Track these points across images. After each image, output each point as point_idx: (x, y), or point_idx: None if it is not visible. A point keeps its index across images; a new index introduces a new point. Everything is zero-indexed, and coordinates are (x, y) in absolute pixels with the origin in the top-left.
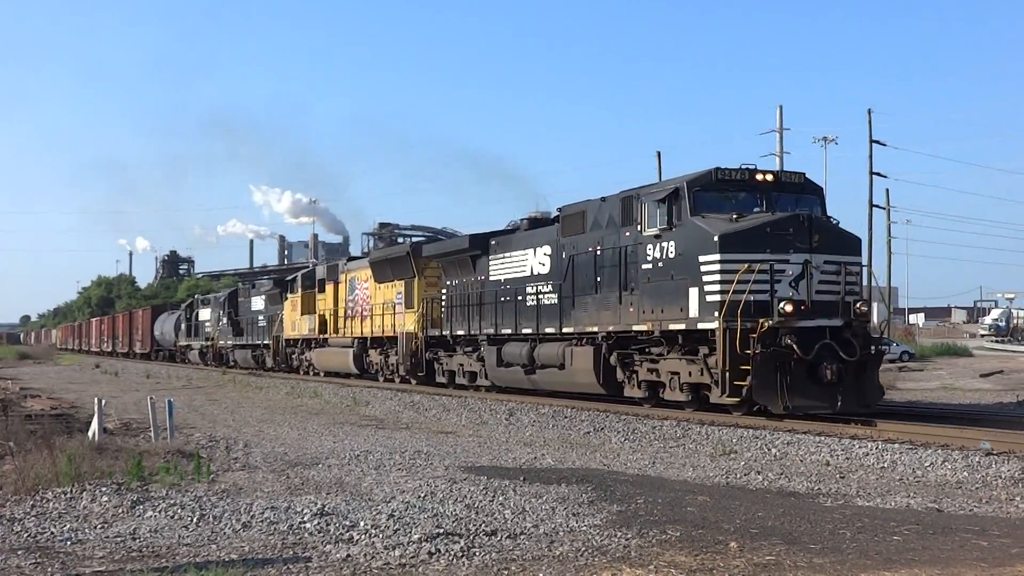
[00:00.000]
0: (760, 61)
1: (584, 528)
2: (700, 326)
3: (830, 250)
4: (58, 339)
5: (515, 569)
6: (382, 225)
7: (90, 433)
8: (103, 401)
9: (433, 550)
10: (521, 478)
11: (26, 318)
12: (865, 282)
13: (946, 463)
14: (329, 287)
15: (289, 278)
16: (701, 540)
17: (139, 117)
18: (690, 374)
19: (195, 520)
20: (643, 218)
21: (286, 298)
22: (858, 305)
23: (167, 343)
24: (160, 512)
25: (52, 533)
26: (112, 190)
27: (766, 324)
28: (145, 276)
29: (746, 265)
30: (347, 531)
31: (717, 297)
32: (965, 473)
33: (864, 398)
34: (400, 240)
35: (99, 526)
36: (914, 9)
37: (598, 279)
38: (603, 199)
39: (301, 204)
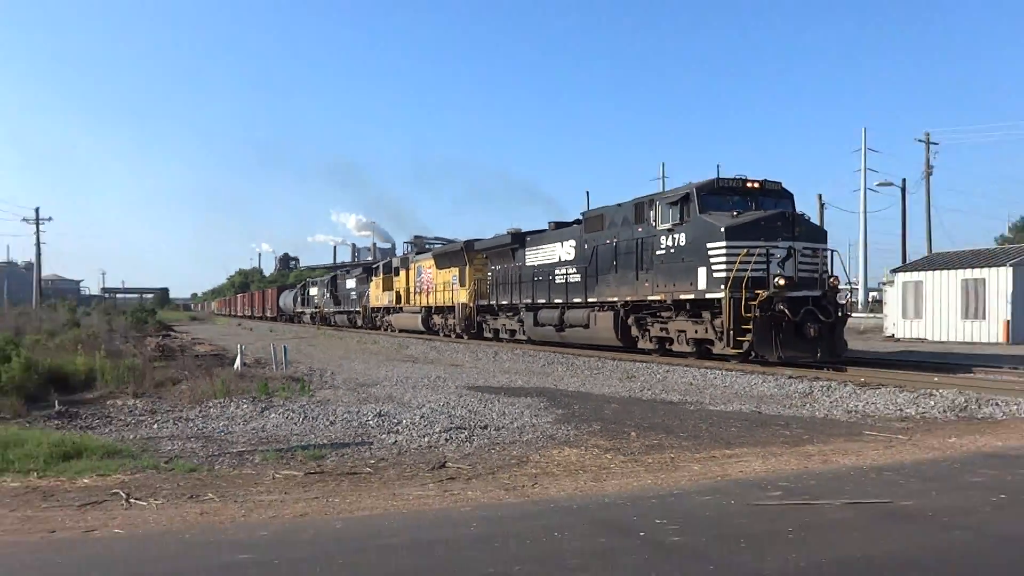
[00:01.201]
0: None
1: (541, 423)
2: (708, 296)
3: (807, 239)
4: (215, 308)
5: (498, 448)
6: (416, 236)
7: (235, 366)
8: (243, 346)
9: (448, 437)
10: (503, 393)
11: (194, 294)
12: (837, 262)
13: (764, 383)
14: (402, 272)
15: (374, 266)
16: (613, 431)
17: (256, 163)
18: (696, 332)
19: (301, 419)
20: (657, 216)
21: (371, 280)
22: (831, 280)
23: (288, 311)
24: (279, 415)
25: (212, 427)
26: (248, 213)
27: (764, 294)
28: (267, 268)
29: (745, 250)
30: (395, 426)
31: (723, 274)
32: (775, 389)
33: (835, 350)
34: (427, 246)
35: (241, 423)
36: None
37: (615, 263)
38: (619, 204)
39: (363, 222)
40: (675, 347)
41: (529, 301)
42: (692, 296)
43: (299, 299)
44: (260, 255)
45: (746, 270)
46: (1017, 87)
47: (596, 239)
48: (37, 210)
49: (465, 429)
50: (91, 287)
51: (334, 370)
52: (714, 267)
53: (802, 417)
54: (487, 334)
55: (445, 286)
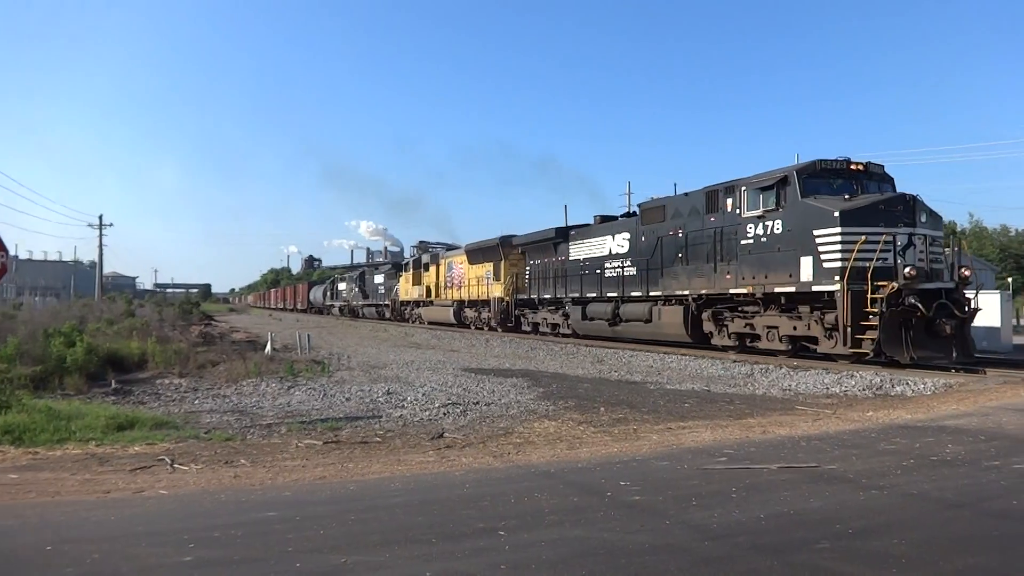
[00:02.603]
0: None
1: (525, 400)
2: (815, 288)
3: (929, 225)
4: (251, 301)
5: (488, 421)
6: (421, 242)
7: (266, 350)
8: (273, 334)
9: (446, 412)
10: (493, 374)
11: (232, 289)
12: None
13: (712, 366)
14: (432, 268)
15: (403, 262)
16: (586, 406)
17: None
18: (795, 328)
19: (321, 396)
20: (741, 203)
21: (401, 275)
22: (962, 270)
23: (318, 304)
24: (303, 392)
25: (245, 403)
26: (280, 222)
27: (893, 286)
28: (294, 268)
29: (863, 237)
30: (401, 402)
31: (836, 263)
32: (722, 371)
33: (967, 349)
34: (429, 250)
35: (270, 399)
36: None
37: (682, 255)
38: (686, 194)
39: (374, 228)
40: (763, 344)
41: (577, 295)
42: (792, 289)
43: (328, 293)
44: (289, 256)
45: (870, 259)
46: None
47: (657, 231)
48: (100, 217)
49: (460, 405)
50: (145, 283)
51: (350, 354)
52: (824, 256)
53: (744, 395)
54: (525, 327)
55: (478, 280)
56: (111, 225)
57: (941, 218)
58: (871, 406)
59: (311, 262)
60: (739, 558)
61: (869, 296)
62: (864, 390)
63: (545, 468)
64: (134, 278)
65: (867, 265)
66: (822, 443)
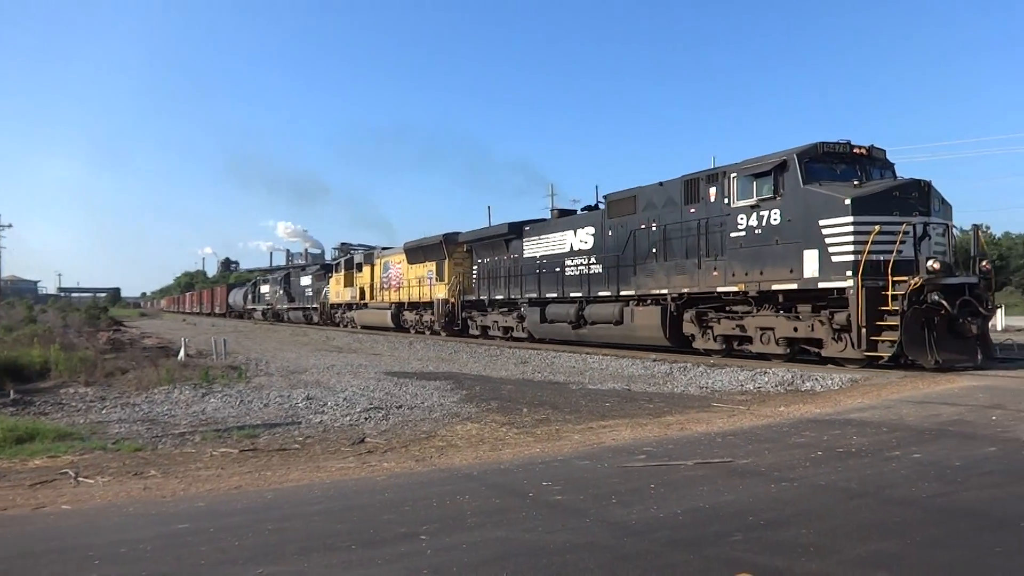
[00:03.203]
0: None
1: (448, 403)
2: (822, 285)
3: (939, 214)
4: (164, 305)
5: (411, 424)
6: (343, 244)
7: (179, 357)
8: (187, 339)
9: (367, 416)
10: (415, 377)
11: (143, 294)
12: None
13: (633, 365)
14: (366, 268)
15: (335, 262)
16: (509, 407)
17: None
18: (795, 330)
19: (238, 403)
20: (731, 192)
21: (331, 276)
22: (983, 263)
23: (238, 308)
24: (218, 399)
25: (156, 412)
26: (191, 220)
27: (916, 282)
28: (210, 270)
29: (877, 227)
30: (321, 407)
31: (848, 257)
32: (643, 370)
33: (989, 351)
34: (351, 252)
35: (183, 407)
36: None
37: (657, 250)
38: (660, 184)
39: (292, 229)
40: (756, 347)
41: (534, 295)
42: (793, 286)
43: (250, 296)
44: (204, 259)
45: (886, 252)
46: None
47: (627, 224)
48: None
49: (382, 409)
50: (48, 287)
51: (269, 359)
52: (832, 249)
53: (663, 393)
54: (473, 331)
55: (419, 281)
56: (9, 226)
57: (951, 207)
58: (783, 401)
59: (228, 265)
60: (657, 553)
61: (890, 293)
62: (776, 386)
63: (468, 471)
64: (36, 282)
65: (882, 258)
66: (736, 438)
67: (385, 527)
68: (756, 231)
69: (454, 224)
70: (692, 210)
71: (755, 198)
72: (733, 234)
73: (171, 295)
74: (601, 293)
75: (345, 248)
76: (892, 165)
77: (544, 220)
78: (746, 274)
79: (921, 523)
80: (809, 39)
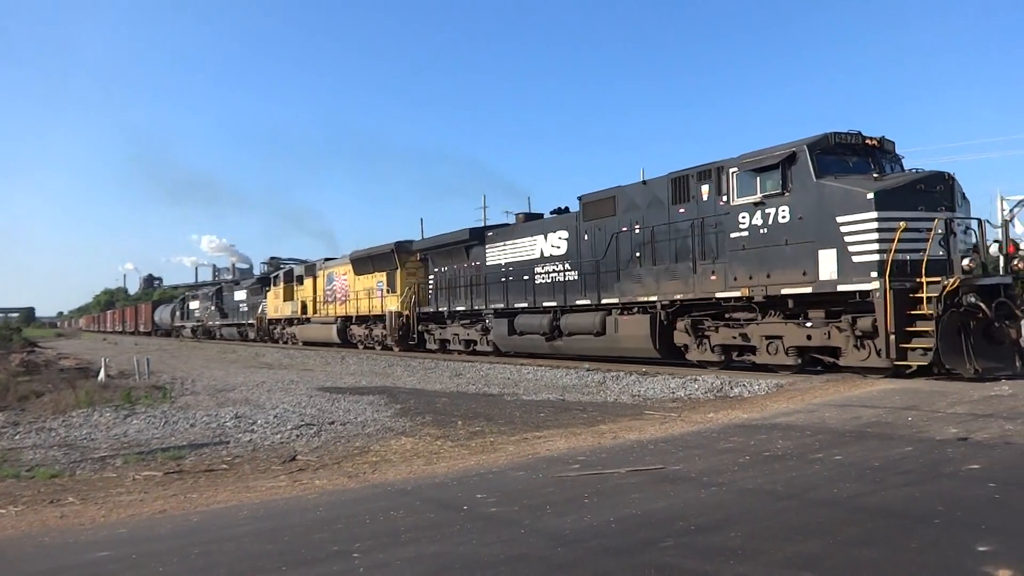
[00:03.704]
0: None
1: (382, 417)
2: (842, 288)
3: (962, 209)
4: (83, 325)
5: (344, 441)
6: (272, 258)
7: (99, 377)
8: (107, 359)
9: (299, 434)
10: (349, 392)
11: (60, 312)
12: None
13: (567, 376)
14: (308, 281)
15: (272, 275)
16: (443, 421)
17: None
18: (808, 338)
19: (162, 424)
20: (730, 189)
21: (269, 290)
22: (1016, 263)
23: (164, 325)
24: (141, 420)
25: (75, 435)
26: (109, 235)
27: (953, 282)
28: (132, 287)
29: (903, 223)
30: (251, 426)
31: (873, 256)
32: (576, 380)
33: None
34: (281, 267)
35: (104, 430)
36: None
37: (643, 254)
38: (644, 183)
39: (218, 244)
40: (761, 357)
41: (501, 306)
42: (807, 289)
43: (178, 313)
44: (125, 275)
45: (915, 251)
46: None
47: (606, 227)
48: None
49: (314, 426)
50: None
51: (195, 378)
52: (853, 248)
53: (597, 402)
54: (431, 345)
55: (368, 293)
56: None
57: (970, 202)
58: (712, 407)
59: (151, 281)
60: (590, 561)
61: (925, 295)
62: (706, 392)
63: (402, 486)
64: None
65: (908, 258)
66: (668, 445)
67: (317, 546)
68: (761, 231)
69: (398, 234)
70: (681, 210)
71: (759, 194)
72: (733, 234)
73: (90, 314)
74: (579, 302)
75: (275, 262)
76: (901, 159)
77: (509, 225)
78: (750, 278)
79: (843, 523)
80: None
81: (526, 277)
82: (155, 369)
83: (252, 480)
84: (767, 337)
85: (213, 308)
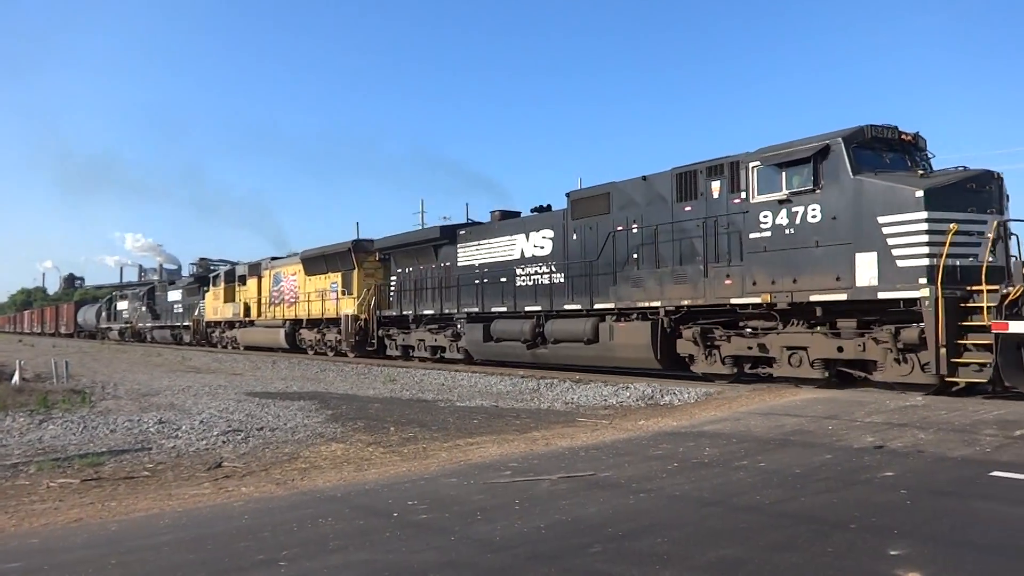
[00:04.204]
0: None
1: (312, 423)
2: (884, 295)
3: (1008, 211)
4: None
5: (272, 447)
6: (202, 259)
7: (13, 380)
8: (22, 361)
9: (226, 439)
10: (279, 397)
11: None
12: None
13: (502, 382)
14: (251, 281)
15: (212, 275)
16: (375, 427)
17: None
18: (840, 350)
19: (80, 430)
20: (749, 185)
21: (207, 290)
22: None
23: (89, 326)
24: (58, 426)
25: None
26: (23, 231)
27: (1018, 290)
28: (52, 287)
29: (954, 225)
30: (175, 431)
31: (922, 262)
32: (511, 387)
33: None
34: (212, 268)
35: (17, 435)
36: None
37: (635, 256)
38: (644, 178)
39: (144, 244)
40: (780, 370)
41: (476, 310)
42: (842, 296)
43: (104, 314)
44: (44, 274)
45: (967, 256)
46: None
47: (599, 226)
48: None
49: (242, 431)
50: None
51: (117, 382)
52: (897, 252)
53: (530, 409)
54: (392, 351)
55: (321, 295)
56: None
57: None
58: (643, 415)
59: (72, 281)
60: (519, 568)
61: (985, 304)
62: (638, 400)
63: (331, 492)
64: None
65: (958, 263)
66: (599, 452)
67: (241, 554)
68: (787, 231)
69: (345, 235)
70: (688, 208)
71: (784, 191)
72: (753, 235)
73: (5, 314)
74: (568, 307)
75: (205, 263)
76: (930, 158)
77: (483, 224)
78: (772, 282)
79: (765, 528)
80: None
81: (504, 279)
82: (75, 372)
83: (175, 487)
84: (789, 348)
85: (144, 309)
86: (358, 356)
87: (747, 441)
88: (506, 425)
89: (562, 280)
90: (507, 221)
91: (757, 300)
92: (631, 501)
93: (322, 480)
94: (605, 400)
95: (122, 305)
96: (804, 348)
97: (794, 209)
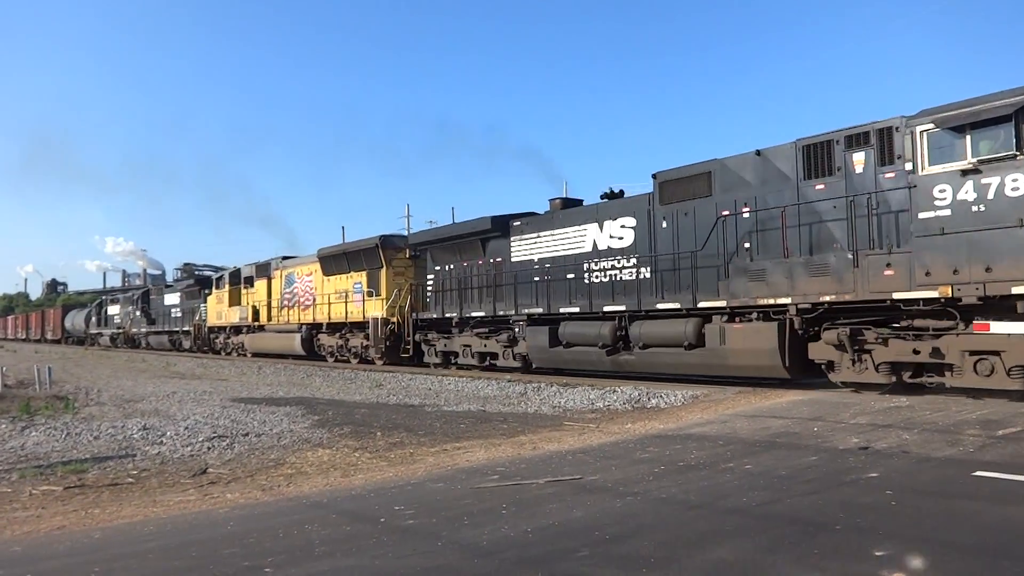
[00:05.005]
0: None
1: (298, 429)
2: None
3: None
4: None
5: (258, 453)
6: (186, 264)
7: None
8: (3, 368)
9: (211, 446)
10: (264, 403)
11: None
12: None
13: (488, 386)
14: (260, 283)
15: (216, 276)
16: (362, 432)
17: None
18: None
19: (63, 436)
20: (917, 154)
21: (208, 293)
22: None
23: (77, 332)
24: (41, 433)
25: None
26: (7, 235)
27: None
28: (34, 292)
29: None
30: (160, 438)
31: None
32: (498, 391)
33: None
34: (196, 273)
35: None
36: None
37: (747, 245)
38: (756, 153)
39: (129, 248)
40: (961, 379)
41: (538, 311)
42: None
43: (94, 319)
44: (26, 279)
45: None
46: None
47: (698, 211)
48: None
49: (227, 437)
50: None
51: (101, 388)
52: None
53: (518, 413)
54: (430, 359)
55: (343, 296)
56: None
57: None
58: (630, 418)
59: (55, 286)
60: (506, 572)
61: None
62: (624, 404)
63: (317, 498)
64: None
65: None
66: (586, 456)
67: (226, 561)
68: (973, 208)
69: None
70: (819, 186)
71: (969, 160)
72: (924, 215)
73: None
74: (660, 306)
75: (189, 268)
76: None
77: (537, 215)
78: (954, 272)
79: (751, 530)
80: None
81: (571, 276)
82: (58, 378)
83: (160, 494)
84: (974, 353)
85: (138, 313)
86: (388, 364)
87: (733, 443)
88: (493, 429)
89: (649, 275)
90: (573, 210)
91: (933, 294)
92: (618, 505)
93: (308, 486)
94: (592, 404)
95: (113, 310)
96: (998, 353)
97: (984, 181)
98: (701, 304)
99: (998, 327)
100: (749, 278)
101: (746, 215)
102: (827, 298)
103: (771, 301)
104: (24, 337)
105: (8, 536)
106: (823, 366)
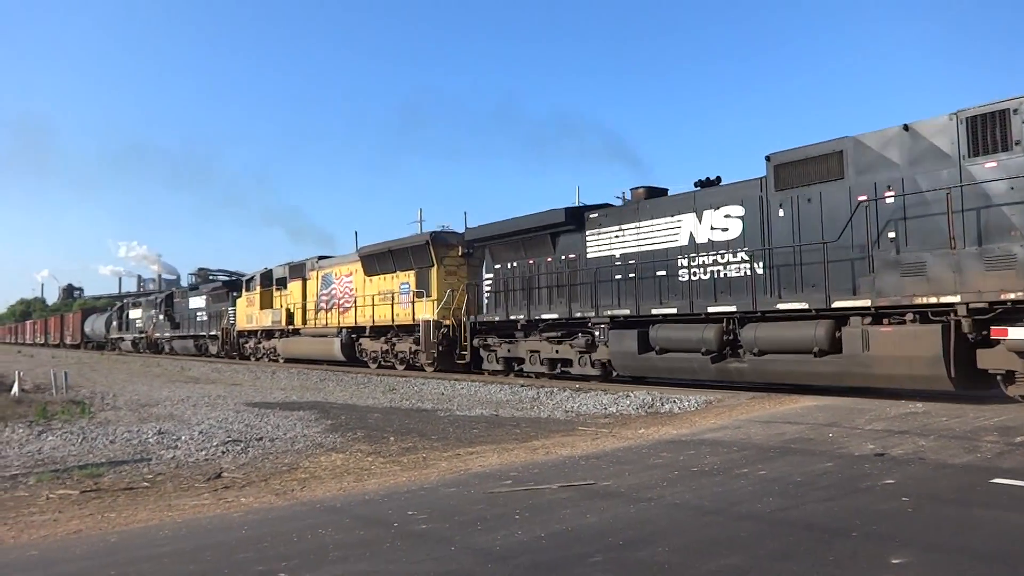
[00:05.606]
0: None
1: (312, 433)
2: None
3: None
4: None
5: (272, 457)
6: (200, 269)
7: (12, 392)
8: (21, 372)
9: (225, 450)
10: (278, 407)
11: None
12: None
13: (501, 391)
14: (294, 284)
15: (246, 279)
16: (375, 436)
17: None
18: None
19: (80, 441)
20: None
21: (237, 296)
22: None
23: (97, 337)
24: (57, 437)
25: None
26: (23, 240)
27: None
28: (50, 297)
29: None
30: (175, 442)
31: None
32: (511, 396)
33: None
34: (211, 277)
35: (16, 447)
36: None
37: (891, 235)
38: (904, 127)
39: (144, 253)
40: None
41: (624, 313)
42: None
43: (115, 324)
44: (43, 284)
45: None
46: None
47: (825, 196)
48: None
49: (241, 442)
50: None
51: (116, 392)
52: None
53: (530, 418)
54: (490, 365)
55: (387, 298)
56: None
57: None
58: (643, 423)
59: (71, 291)
60: None
61: None
62: (637, 409)
63: (331, 503)
64: None
65: None
66: (599, 461)
67: (241, 565)
68: None
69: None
70: (990, 164)
71: None
72: None
73: (4, 324)
74: (782, 306)
75: (204, 273)
76: None
77: (617, 206)
78: None
79: (766, 537)
80: None
81: (663, 273)
82: (74, 383)
83: (175, 498)
84: None
85: (162, 317)
86: (439, 370)
87: (747, 449)
88: (506, 434)
89: (761, 271)
90: (662, 199)
91: None
92: (632, 510)
93: (322, 490)
94: (605, 408)
95: (135, 313)
96: None
97: None
98: (837, 304)
99: None
100: (902, 273)
101: (889, 200)
102: (1011, 296)
103: (933, 300)
104: (43, 342)
105: (25, 540)
106: (999, 377)
